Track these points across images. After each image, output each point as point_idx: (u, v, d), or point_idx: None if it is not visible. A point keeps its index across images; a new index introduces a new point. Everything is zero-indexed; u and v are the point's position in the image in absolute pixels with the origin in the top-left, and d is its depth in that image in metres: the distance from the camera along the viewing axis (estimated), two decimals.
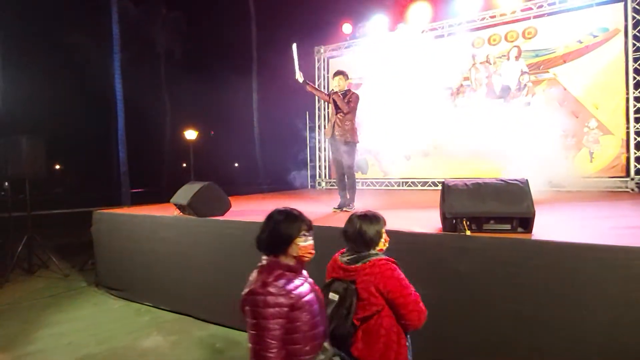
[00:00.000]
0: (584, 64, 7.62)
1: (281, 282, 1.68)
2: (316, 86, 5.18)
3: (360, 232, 2.03)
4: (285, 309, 1.63)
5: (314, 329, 1.69)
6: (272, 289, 1.65)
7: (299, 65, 5.17)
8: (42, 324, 4.54)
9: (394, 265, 1.99)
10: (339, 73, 5.07)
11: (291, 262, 1.79)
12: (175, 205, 5.10)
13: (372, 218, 2.08)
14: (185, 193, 4.90)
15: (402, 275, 1.98)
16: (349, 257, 2.03)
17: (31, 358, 3.72)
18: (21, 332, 4.29)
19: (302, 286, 1.73)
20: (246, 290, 1.72)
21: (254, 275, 1.78)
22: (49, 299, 5.42)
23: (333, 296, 1.97)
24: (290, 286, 1.69)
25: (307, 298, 1.70)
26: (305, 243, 1.79)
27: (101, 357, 3.71)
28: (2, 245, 6.83)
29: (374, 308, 1.93)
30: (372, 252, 2.03)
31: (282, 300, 1.63)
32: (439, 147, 9.01)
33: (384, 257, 2.02)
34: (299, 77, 5.20)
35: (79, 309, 5.05)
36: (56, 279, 6.31)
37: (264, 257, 1.82)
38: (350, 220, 2.10)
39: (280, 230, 1.79)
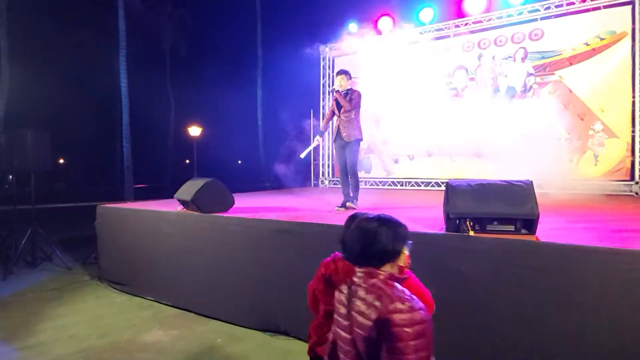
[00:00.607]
0: (591, 67, 7.59)
1: (407, 294, 1.50)
2: (323, 117, 5.57)
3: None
4: (427, 324, 1.44)
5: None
6: (413, 304, 1.45)
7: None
8: (45, 316, 4.57)
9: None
10: (341, 72, 5.10)
11: (396, 272, 1.65)
12: (179, 200, 5.12)
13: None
14: (189, 189, 4.92)
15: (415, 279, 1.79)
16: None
17: (34, 350, 3.74)
18: (24, 324, 4.32)
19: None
20: (376, 311, 1.47)
21: (363, 293, 1.54)
22: (52, 291, 5.45)
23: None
24: (415, 298, 1.51)
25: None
26: (407, 251, 1.70)
27: (103, 350, 3.73)
28: (6, 238, 6.88)
29: None
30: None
31: (423, 314, 1.45)
32: (442, 148, 9.00)
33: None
34: (316, 141, 5.72)
35: (82, 302, 5.08)
36: (59, 272, 6.34)
37: (364, 270, 1.60)
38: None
39: (397, 239, 1.65)
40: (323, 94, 11.04)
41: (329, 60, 10.96)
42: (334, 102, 5.19)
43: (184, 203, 5.03)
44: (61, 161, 30.61)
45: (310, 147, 5.75)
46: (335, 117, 5.27)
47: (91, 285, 5.79)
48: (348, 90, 5.10)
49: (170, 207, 5.27)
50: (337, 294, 1.71)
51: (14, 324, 4.34)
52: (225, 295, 4.41)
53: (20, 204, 6.98)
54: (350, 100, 5.02)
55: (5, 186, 18.48)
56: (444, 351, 2.99)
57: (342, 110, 5.07)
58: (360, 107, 5.12)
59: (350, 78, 5.15)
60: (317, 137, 5.70)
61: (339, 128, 5.12)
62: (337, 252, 1.91)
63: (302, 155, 5.77)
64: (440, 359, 2.97)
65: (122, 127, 18.85)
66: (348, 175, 5.19)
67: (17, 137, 6.51)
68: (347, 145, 5.11)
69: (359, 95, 5.08)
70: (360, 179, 5.57)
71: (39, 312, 4.70)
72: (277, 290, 3.95)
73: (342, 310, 1.64)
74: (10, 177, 7.30)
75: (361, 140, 5.18)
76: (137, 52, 21.90)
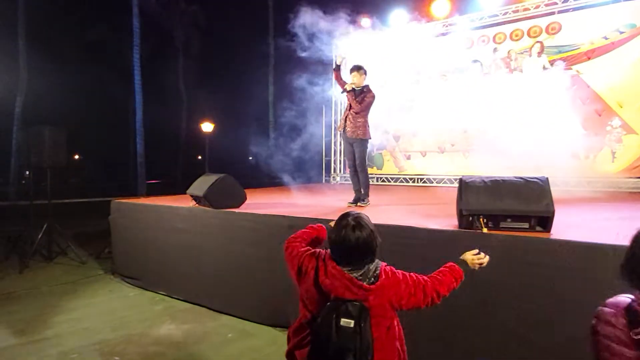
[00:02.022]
0: (609, 61, 7.39)
1: None
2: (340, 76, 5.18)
3: (370, 239, 1.73)
4: None
5: None
6: None
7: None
8: (59, 309, 4.65)
9: (393, 268, 1.82)
10: (356, 68, 4.92)
11: None
12: (192, 196, 5.15)
13: (364, 217, 1.80)
14: (202, 185, 4.94)
15: (402, 275, 1.80)
16: (359, 274, 1.71)
17: (49, 342, 3.81)
18: (39, 317, 4.40)
19: None
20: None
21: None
22: (66, 285, 5.54)
23: (347, 322, 1.61)
24: None
25: None
26: None
27: (116, 342, 3.78)
28: (22, 232, 7.01)
29: (387, 322, 1.74)
30: (375, 259, 1.79)
31: None
32: (455, 144, 8.90)
33: (380, 262, 1.81)
34: (338, 58, 5.24)
35: (95, 295, 5.15)
36: (74, 266, 6.44)
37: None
38: (356, 226, 1.73)
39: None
40: (336, 89, 10.97)
41: (342, 54, 10.88)
42: (349, 96, 5.07)
43: (196, 199, 5.06)
44: (76, 157, 31.09)
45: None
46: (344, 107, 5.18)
47: (105, 279, 5.87)
48: (363, 87, 4.95)
49: (182, 202, 5.31)
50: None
51: (30, 316, 4.42)
52: (236, 291, 4.42)
53: (37, 199, 7.11)
54: (361, 102, 4.90)
55: (22, 182, 18.86)
56: (455, 348, 2.96)
57: (351, 107, 5.00)
58: (369, 109, 5.00)
59: (366, 73, 4.97)
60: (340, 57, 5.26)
61: (345, 120, 5.03)
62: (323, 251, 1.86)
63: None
64: (451, 356, 2.95)
65: (135, 124, 19.06)
66: (357, 172, 5.14)
67: (34, 134, 6.64)
68: (354, 143, 5.04)
69: (373, 98, 4.93)
70: (371, 175, 5.53)
71: (54, 305, 4.78)
72: (288, 286, 3.93)
73: None
74: (27, 172, 7.44)
75: (368, 139, 5.08)
76: (151, 49, 22.09)
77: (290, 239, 2.06)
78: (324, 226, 2.22)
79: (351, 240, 1.69)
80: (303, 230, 2.15)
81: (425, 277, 1.85)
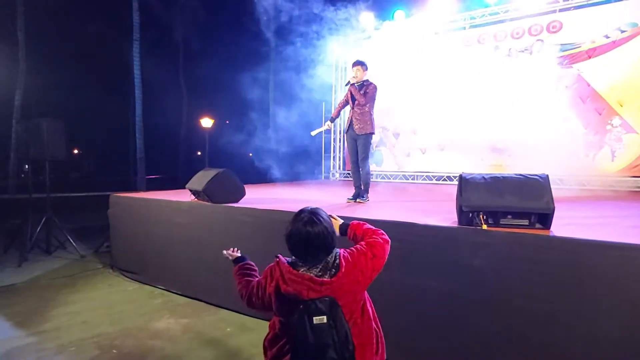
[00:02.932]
0: (610, 60, 7.39)
1: None
2: (334, 109, 5.46)
3: (324, 234, 1.74)
4: None
5: None
6: None
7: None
8: (58, 302, 4.65)
9: (347, 250, 1.82)
10: (357, 63, 4.94)
11: None
12: (190, 190, 5.14)
13: (320, 212, 1.82)
14: (201, 179, 4.93)
15: (356, 250, 1.81)
16: (318, 270, 1.71)
17: (48, 334, 3.81)
18: (38, 310, 4.40)
19: None
20: None
21: None
22: (65, 279, 5.53)
23: (320, 319, 1.63)
24: None
25: None
26: None
27: (115, 336, 3.78)
28: (21, 225, 7.00)
29: (359, 305, 1.75)
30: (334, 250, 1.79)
31: None
32: (455, 142, 8.89)
33: (336, 249, 1.81)
34: (327, 125, 5.49)
35: (94, 289, 5.15)
36: (73, 260, 6.44)
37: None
38: (309, 221, 1.75)
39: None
40: (335, 86, 10.96)
41: (342, 51, 10.86)
42: (349, 94, 5.09)
43: (195, 193, 5.06)
44: (75, 151, 31.04)
45: (322, 129, 5.57)
46: (348, 108, 5.19)
47: (103, 273, 5.87)
48: (364, 82, 4.96)
49: (181, 197, 5.30)
50: None
51: (28, 309, 4.42)
52: (235, 285, 4.42)
53: (36, 192, 7.10)
54: (364, 94, 4.90)
55: (21, 175, 18.83)
56: (454, 344, 2.97)
57: (356, 103, 4.97)
58: (375, 100, 5.01)
59: (367, 69, 4.98)
60: (328, 122, 5.51)
61: (351, 120, 5.04)
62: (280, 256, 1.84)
63: (313, 134, 5.64)
64: (451, 351, 2.96)
65: (135, 119, 19.01)
66: (359, 168, 5.14)
67: (33, 126, 6.62)
68: (358, 138, 5.05)
69: (375, 88, 4.94)
70: (371, 172, 5.52)
71: (53, 298, 4.78)
72: None
73: None
74: (26, 166, 7.44)
75: (373, 134, 5.10)
76: (150, 44, 22.01)
77: (247, 302, 1.98)
78: (239, 264, 2.23)
79: (302, 235, 1.72)
80: (239, 284, 2.10)
81: (368, 238, 1.92)
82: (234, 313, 4.31)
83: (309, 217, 1.76)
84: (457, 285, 2.98)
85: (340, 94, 10.46)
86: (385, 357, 1.86)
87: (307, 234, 1.71)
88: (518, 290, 2.76)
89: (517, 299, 2.76)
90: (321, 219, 1.77)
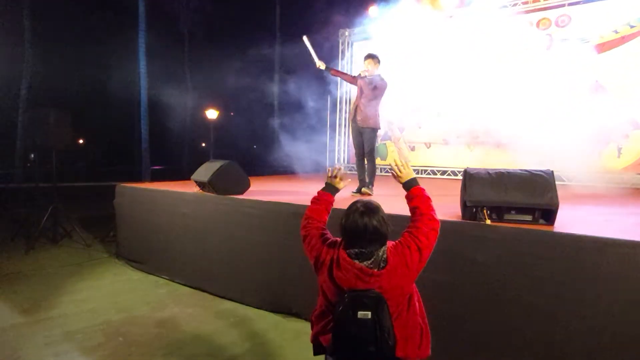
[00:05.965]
0: (619, 55, 7.30)
1: None
2: (339, 69, 5.23)
3: (377, 225, 1.73)
4: None
5: None
6: None
7: (316, 53, 5.17)
8: (64, 290, 4.72)
9: (393, 243, 1.82)
10: (369, 56, 4.94)
11: None
12: (196, 182, 5.18)
13: (374, 204, 1.81)
14: (206, 171, 4.96)
15: (404, 241, 1.82)
16: (370, 262, 1.71)
17: (54, 321, 3.87)
18: (45, 297, 4.46)
19: None
20: None
21: None
22: (71, 267, 5.60)
23: (364, 314, 1.63)
24: None
25: None
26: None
27: (120, 324, 3.84)
28: (28, 214, 7.07)
29: (406, 299, 1.76)
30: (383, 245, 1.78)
31: None
32: (460, 136, 8.85)
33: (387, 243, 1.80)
34: (320, 65, 5.21)
35: (100, 278, 5.22)
36: (79, 248, 6.51)
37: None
38: (365, 212, 1.75)
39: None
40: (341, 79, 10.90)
41: (348, 45, 10.82)
42: (359, 85, 5.06)
43: (200, 184, 5.09)
44: (81, 141, 31.16)
45: (314, 54, 5.24)
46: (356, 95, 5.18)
47: (109, 262, 5.93)
48: (375, 77, 4.94)
49: (187, 188, 5.34)
50: None
51: (35, 296, 4.49)
52: (238, 276, 4.47)
53: (42, 182, 7.16)
54: (374, 89, 4.90)
55: (28, 164, 18.94)
56: (457, 339, 2.99)
57: (363, 95, 4.99)
58: (382, 96, 5.01)
59: (379, 62, 4.97)
60: (323, 63, 5.21)
61: (356, 109, 5.04)
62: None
63: (306, 41, 5.25)
64: (453, 346, 2.98)
65: (140, 109, 19.04)
66: (364, 160, 5.16)
67: (39, 115, 6.67)
68: (364, 132, 5.06)
69: (385, 86, 4.94)
70: (376, 166, 5.53)
71: (59, 286, 4.84)
72: (290, 273, 3.99)
73: None
74: (32, 155, 7.50)
75: (378, 129, 5.10)
76: (156, 34, 21.93)
77: (304, 224, 2.02)
78: (324, 192, 2.15)
79: (359, 226, 1.71)
80: (310, 207, 2.09)
81: (413, 226, 1.90)
82: (237, 304, 4.36)
83: (364, 208, 1.76)
84: (459, 279, 2.99)
85: (347, 86, 10.38)
86: (429, 353, 1.86)
87: (364, 225, 1.71)
88: (521, 286, 2.77)
89: (518, 294, 2.77)
90: (376, 211, 1.77)
